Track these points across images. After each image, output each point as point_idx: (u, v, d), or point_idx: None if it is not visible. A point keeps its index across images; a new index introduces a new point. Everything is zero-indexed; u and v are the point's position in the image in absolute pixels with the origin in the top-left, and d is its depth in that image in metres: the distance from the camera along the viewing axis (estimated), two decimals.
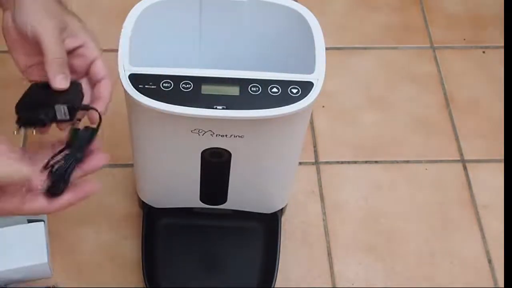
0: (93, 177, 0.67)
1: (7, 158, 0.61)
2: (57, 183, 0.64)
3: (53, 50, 0.65)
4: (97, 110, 0.68)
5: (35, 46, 0.67)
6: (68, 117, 0.66)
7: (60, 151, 0.66)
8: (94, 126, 0.68)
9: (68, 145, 0.67)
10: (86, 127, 0.68)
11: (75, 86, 0.68)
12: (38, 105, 0.65)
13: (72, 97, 0.67)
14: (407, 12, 1.35)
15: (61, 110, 0.65)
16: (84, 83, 0.71)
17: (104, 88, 0.69)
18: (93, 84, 0.70)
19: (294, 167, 0.92)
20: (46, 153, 0.66)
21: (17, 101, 0.66)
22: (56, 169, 0.64)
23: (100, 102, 0.69)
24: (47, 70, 0.66)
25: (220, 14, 0.83)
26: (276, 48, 0.86)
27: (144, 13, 0.79)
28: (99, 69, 0.70)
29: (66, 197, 0.64)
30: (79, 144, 0.66)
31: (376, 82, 1.25)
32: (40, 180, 0.64)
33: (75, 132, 0.67)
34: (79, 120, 0.68)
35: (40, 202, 0.63)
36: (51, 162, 0.65)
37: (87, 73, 0.70)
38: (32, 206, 0.63)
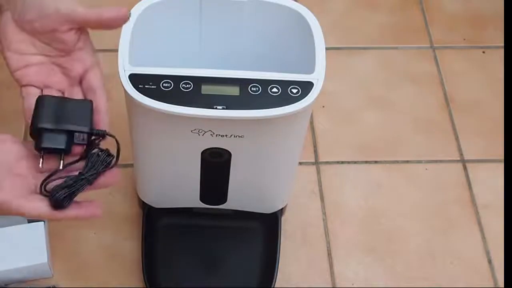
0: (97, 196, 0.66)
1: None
2: (63, 199, 0.63)
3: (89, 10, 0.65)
4: (115, 138, 0.66)
5: (36, 42, 0.67)
6: (85, 141, 0.65)
7: (70, 163, 0.65)
8: (113, 153, 0.66)
9: (82, 159, 0.66)
10: (106, 151, 0.66)
11: (87, 105, 0.67)
12: (56, 131, 0.64)
13: (87, 118, 0.66)
14: (407, 12, 1.35)
15: (81, 136, 0.65)
16: (77, 91, 0.69)
17: (100, 102, 0.67)
18: (84, 91, 0.68)
19: (294, 167, 0.92)
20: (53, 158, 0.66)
21: (31, 122, 0.65)
22: (65, 185, 0.63)
23: (99, 117, 0.67)
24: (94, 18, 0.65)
25: (220, 14, 0.83)
26: (276, 48, 0.86)
27: (144, 13, 0.79)
28: (94, 78, 0.68)
29: (72, 212, 0.64)
30: (96, 168, 0.65)
31: (376, 82, 1.25)
32: (33, 178, 0.64)
33: (94, 154, 0.65)
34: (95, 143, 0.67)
35: (43, 208, 0.63)
36: (57, 176, 0.64)
37: (81, 81, 0.69)
38: (34, 209, 0.63)
